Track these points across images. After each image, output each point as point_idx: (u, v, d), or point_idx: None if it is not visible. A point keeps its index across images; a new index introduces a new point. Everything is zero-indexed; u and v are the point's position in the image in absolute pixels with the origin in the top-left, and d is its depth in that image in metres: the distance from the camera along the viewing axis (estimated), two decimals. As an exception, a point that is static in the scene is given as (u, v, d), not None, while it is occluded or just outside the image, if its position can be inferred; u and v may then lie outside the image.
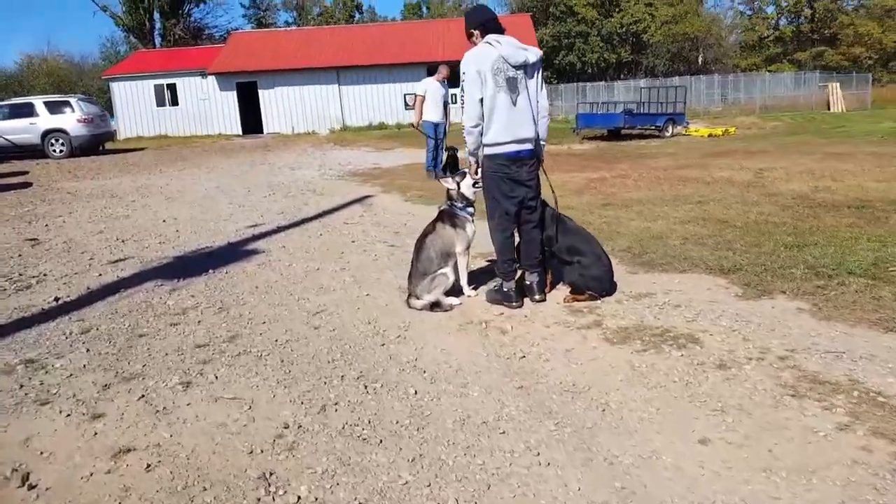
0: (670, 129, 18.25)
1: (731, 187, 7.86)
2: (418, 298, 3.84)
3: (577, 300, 3.82)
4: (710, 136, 17.89)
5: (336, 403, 2.68)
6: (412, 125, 10.14)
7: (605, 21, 43.66)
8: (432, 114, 9.71)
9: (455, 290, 3.98)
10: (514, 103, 3.61)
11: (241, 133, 27.88)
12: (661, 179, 8.94)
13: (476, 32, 3.71)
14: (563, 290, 4.02)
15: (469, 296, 4.02)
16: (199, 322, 3.74)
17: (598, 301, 3.80)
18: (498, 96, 3.58)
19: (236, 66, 27.92)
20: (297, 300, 4.12)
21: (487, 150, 3.71)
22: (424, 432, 2.43)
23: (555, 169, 10.23)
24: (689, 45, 44.05)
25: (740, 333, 3.24)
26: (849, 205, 6.32)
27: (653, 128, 18.51)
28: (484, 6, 4.30)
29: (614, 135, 18.81)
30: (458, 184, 3.93)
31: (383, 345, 3.33)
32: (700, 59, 43.32)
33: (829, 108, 29.12)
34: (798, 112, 27.82)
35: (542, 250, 3.92)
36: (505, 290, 3.82)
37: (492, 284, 4.05)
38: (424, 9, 55.22)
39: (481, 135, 3.67)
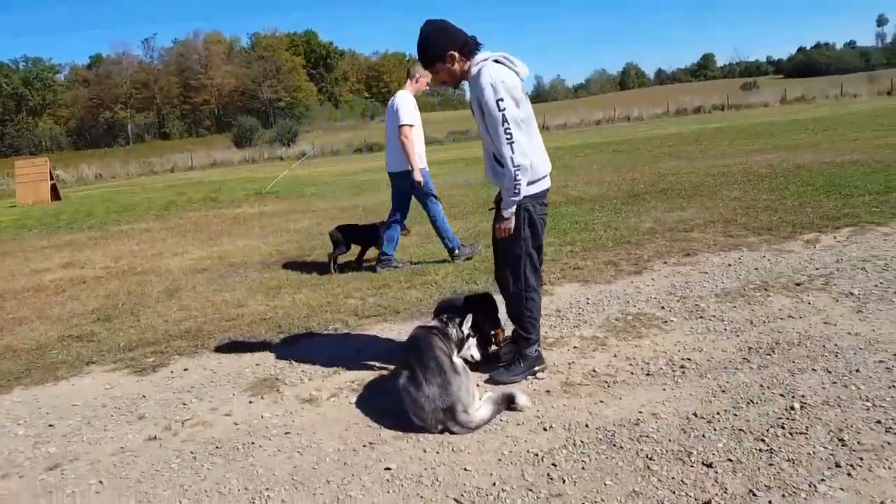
0: None
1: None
2: (466, 412, 2.58)
3: (499, 334, 3.47)
4: None
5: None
6: (417, 183, 5.44)
7: None
8: (422, 154, 5.55)
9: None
10: (537, 125, 3.04)
11: None
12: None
13: (456, 55, 2.86)
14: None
15: None
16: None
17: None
18: (530, 120, 2.93)
19: None
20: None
21: (532, 189, 2.90)
22: None
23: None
24: None
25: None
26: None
27: None
28: (446, 21, 3.02)
29: None
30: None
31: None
32: None
33: None
34: None
35: None
36: (535, 354, 3.13)
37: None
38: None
39: None
